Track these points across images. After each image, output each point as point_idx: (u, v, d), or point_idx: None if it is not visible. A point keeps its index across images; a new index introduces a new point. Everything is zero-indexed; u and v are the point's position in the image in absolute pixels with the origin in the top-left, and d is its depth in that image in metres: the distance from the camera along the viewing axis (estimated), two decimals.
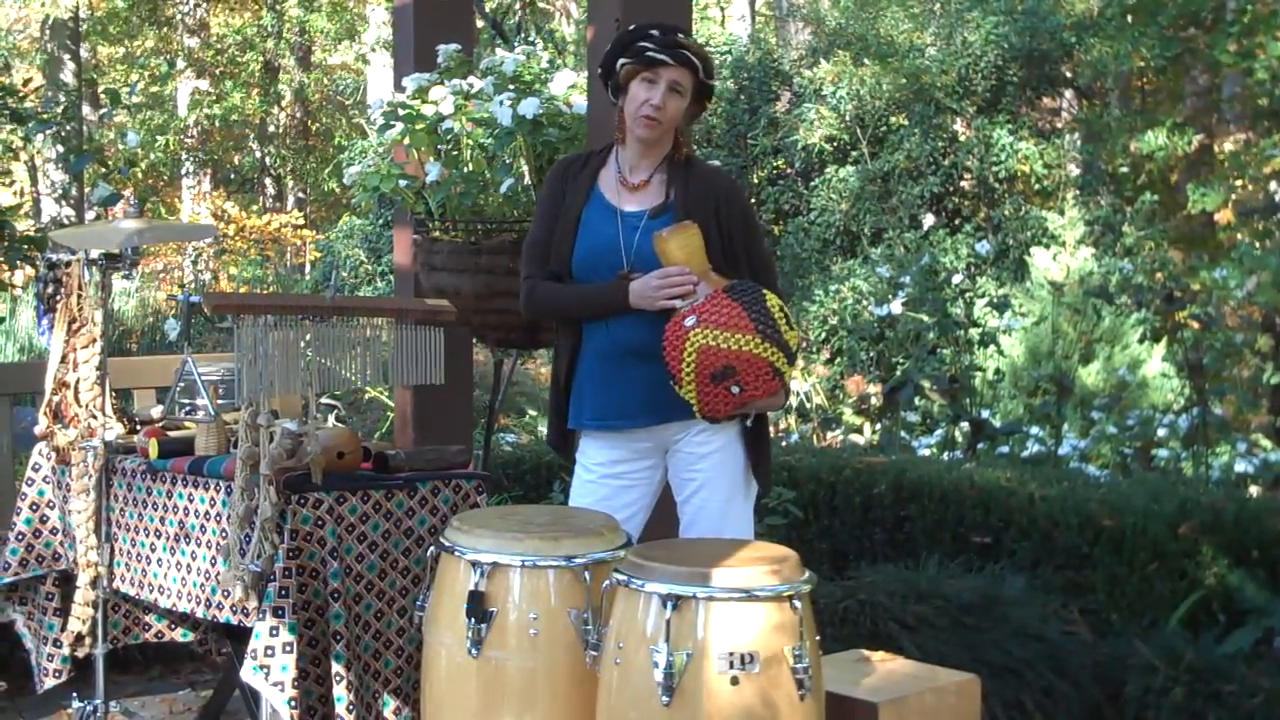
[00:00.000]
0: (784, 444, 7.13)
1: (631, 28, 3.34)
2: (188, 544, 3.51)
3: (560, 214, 3.38)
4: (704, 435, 3.34)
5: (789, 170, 13.13)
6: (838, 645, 3.85)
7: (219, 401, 3.91)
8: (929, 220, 12.19)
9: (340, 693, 3.22)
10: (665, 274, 3.19)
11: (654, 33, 3.28)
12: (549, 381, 3.65)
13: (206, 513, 3.46)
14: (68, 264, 3.89)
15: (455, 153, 4.31)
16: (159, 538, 3.61)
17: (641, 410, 3.32)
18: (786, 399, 3.57)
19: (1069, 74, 13.01)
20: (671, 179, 3.35)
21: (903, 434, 7.68)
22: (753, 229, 3.44)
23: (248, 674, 3.17)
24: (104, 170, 7.01)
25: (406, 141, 4.32)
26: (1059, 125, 13.25)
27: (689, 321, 3.09)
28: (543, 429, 7.20)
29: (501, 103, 4.12)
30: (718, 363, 3.07)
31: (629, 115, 3.32)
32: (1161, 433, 7.36)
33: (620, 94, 3.35)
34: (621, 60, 3.30)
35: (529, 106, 4.08)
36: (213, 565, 3.43)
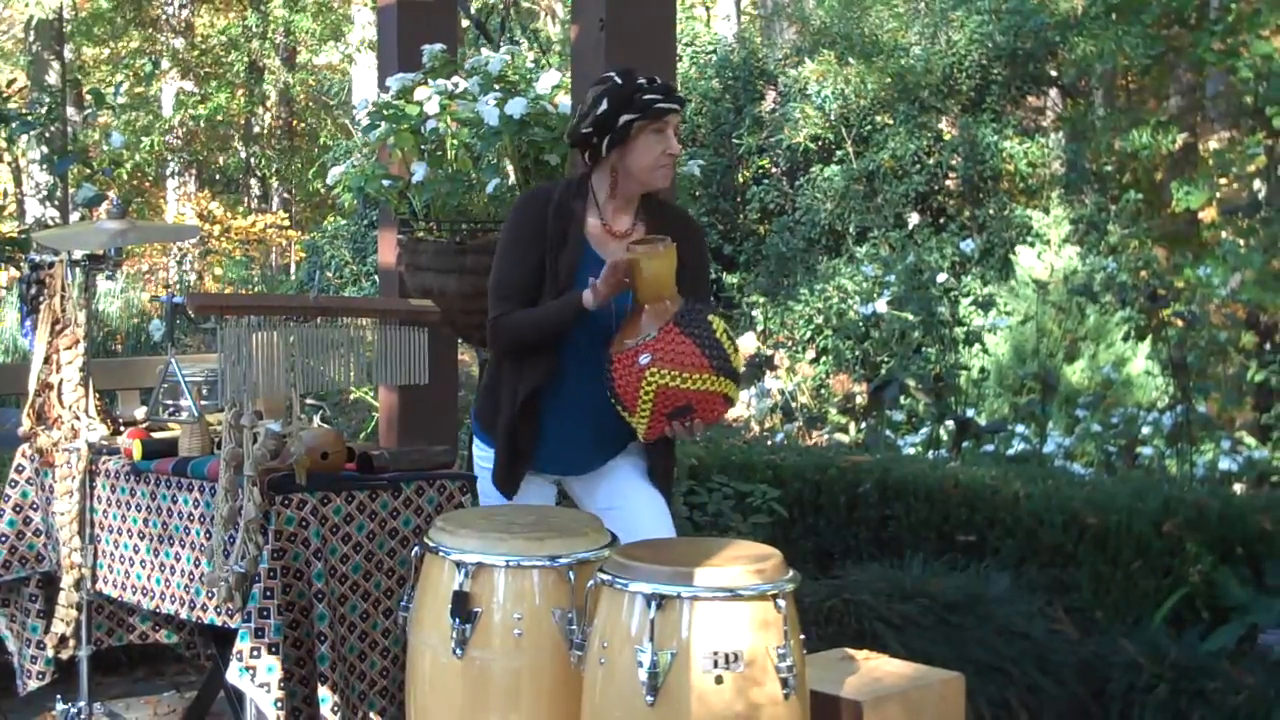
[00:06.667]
0: (769, 443, 7.14)
1: (618, 81, 3.27)
2: (171, 545, 3.50)
3: (545, 259, 3.31)
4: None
5: (774, 169, 13.14)
6: (822, 644, 3.85)
7: (203, 402, 3.90)
8: (914, 219, 12.20)
9: (325, 693, 3.21)
10: (611, 270, 3.17)
11: (642, 82, 3.25)
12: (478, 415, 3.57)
13: (190, 514, 3.46)
14: (51, 265, 3.87)
15: (440, 153, 4.31)
16: (143, 539, 3.60)
17: (596, 457, 3.44)
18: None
19: (1053, 72, 13.03)
20: (650, 227, 3.35)
21: (888, 433, 7.69)
22: (706, 272, 3.52)
23: (233, 675, 3.16)
24: (88, 171, 6.99)
25: (391, 141, 4.32)
26: (1044, 124, 13.27)
27: (644, 359, 3.08)
28: None
29: (487, 102, 4.11)
30: (677, 402, 3.10)
31: (643, 168, 3.28)
32: (1146, 431, 7.38)
33: (617, 147, 3.28)
34: (626, 116, 3.23)
35: (516, 106, 4.07)
36: (196, 566, 3.42)
